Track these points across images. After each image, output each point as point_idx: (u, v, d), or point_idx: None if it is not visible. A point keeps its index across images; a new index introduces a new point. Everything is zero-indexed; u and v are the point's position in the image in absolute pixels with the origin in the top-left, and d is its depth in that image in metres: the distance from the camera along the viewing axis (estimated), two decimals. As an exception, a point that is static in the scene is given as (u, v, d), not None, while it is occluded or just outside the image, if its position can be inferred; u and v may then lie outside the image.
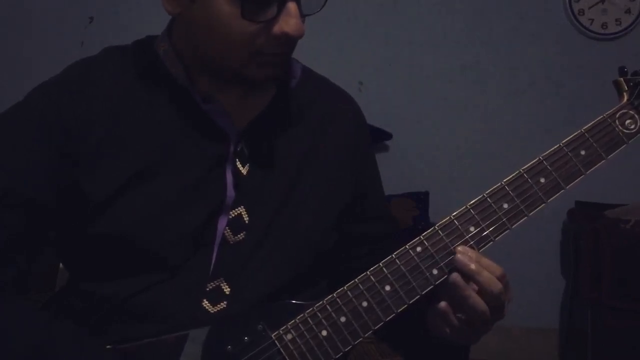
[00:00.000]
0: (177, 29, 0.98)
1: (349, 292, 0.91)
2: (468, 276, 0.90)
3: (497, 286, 0.89)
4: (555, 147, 0.96)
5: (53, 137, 0.92)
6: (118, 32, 2.85)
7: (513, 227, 0.93)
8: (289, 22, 0.87)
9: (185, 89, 0.96)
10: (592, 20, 2.96)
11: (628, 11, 2.97)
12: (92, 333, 0.91)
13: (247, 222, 0.97)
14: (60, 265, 1.17)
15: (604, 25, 2.97)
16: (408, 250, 0.92)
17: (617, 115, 0.99)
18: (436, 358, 1.02)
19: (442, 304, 0.91)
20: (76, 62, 0.99)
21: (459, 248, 0.91)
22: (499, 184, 0.95)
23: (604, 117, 0.99)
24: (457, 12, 2.98)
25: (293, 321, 0.90)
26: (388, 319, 0.91)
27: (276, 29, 0.88)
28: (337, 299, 0.91)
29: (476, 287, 0.90)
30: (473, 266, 0.89)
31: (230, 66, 0.91)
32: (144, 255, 0.92)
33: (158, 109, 0.96)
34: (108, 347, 0.89)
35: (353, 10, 2.95)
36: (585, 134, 0.97)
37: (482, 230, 0.93)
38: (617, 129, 0.98)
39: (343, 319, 0.90)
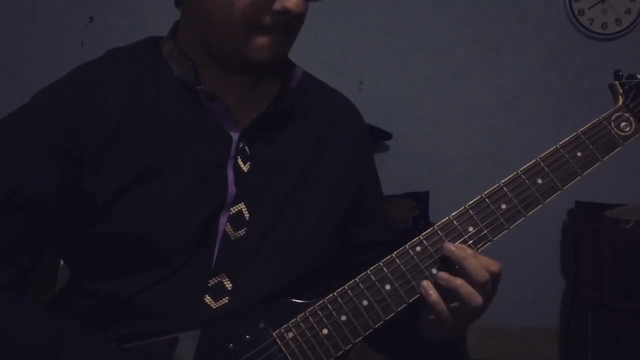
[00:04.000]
0: (182, 27, 1.00)
1: (349, 291, 0.92)
2: (455, 262, 0.91)
3: (482, 274, 0.90)
4: (552, 148, 0.98)
5: (60, 138, 0.92)
6: (118, 32, 2.86)
7: (511, 227, 0.95)
8: None
9: (189, 87, 0.97)
10: (592, 20, 2.96)
11: (628, 11, 2.97)
12: (95, 331, 0.91)
13: (247, 218, 0.98)
14: (61, 264, 1.17)
15: (604, 25, 2.97)
16: (408, 250, 0.93)
17: (612, 118, 1.00)
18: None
19: (433, 294, 0.91)
20: (82, 64, 1.00)
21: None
22: (497, 184, 0.96)
23: (599, 119, 1.00)
24: (457, 12, 2.98)
25: (294, 319, 0.91)
26: (388, 317, 0.92)
27: (277, 4, 0.90)
28: (338, 298, 0.92)
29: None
30: (459, 252, 0.91)
31: (233, 46, 0.93)
32: (149, 253, 0.93)
33: (162, 109, 0.97)
34: (113, 344, 0.90)
35: (353, 10, 2.96)
36: (582, 135, 0.99)
37: (481, 230, 0.94)
38: (612, 131, 1.00)
39: (344, 318, 0.91)
